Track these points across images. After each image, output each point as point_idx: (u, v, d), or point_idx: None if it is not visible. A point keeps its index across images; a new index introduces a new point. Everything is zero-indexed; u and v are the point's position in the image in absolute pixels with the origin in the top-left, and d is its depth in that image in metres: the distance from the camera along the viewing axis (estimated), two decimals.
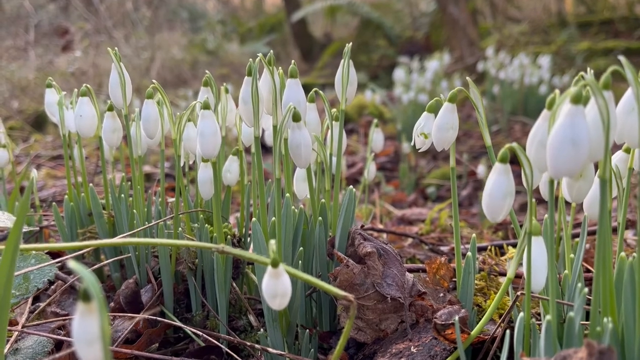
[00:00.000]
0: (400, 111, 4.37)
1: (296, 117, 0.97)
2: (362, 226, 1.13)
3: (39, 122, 8.22)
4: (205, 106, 1.00)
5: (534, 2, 10.84)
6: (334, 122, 1.22)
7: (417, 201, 2.97)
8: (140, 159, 1.29)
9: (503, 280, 1.21)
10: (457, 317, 0.95)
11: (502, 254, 1.40)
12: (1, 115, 8.79)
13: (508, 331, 0.81)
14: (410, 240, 1.76)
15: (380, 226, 1.96)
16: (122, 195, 1.25)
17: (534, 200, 0.77)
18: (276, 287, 0.75)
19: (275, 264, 0.74)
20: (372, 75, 10.28)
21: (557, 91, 0.73)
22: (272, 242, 0.75)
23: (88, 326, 0.55)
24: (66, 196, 1.40)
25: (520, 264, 0.82)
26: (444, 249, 1.64)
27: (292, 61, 1.09)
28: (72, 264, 0.55)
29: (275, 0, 16.33)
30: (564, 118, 0.65)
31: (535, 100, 4.81)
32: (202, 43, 15.99)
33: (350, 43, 1.19)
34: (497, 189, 0.75)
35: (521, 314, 0.76)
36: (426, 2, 11.69)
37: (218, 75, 15.17)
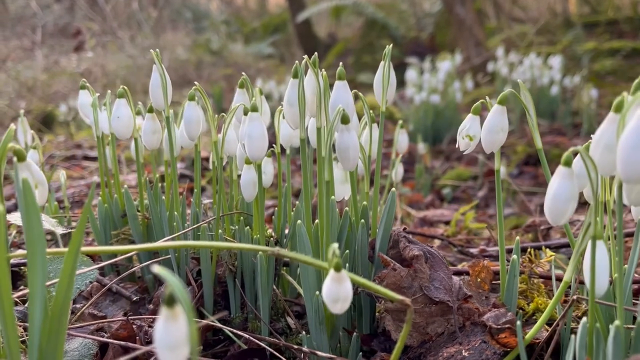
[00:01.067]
0: (412, 112, 4.36)
1: (345, 120, 0.97)
2: (405, 229, 1.12)
3: (47, 122, 8.22)
4: (253, 109, 0.99)
5: (538, 3, 10.84)
6: (373, 124, 1.22)
7: (434, 202, 2.96)
8: (174, 160, 1.28)
9: (543, 282, 1.21)
10: (518, 323, 0.95)
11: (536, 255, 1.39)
12: (9, 116, 8.82)
13: (572, 336, 0.80)
14: (437, 242, 1.75)
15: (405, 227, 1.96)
16: (163, 197, 1.24)
17: (596, 203, 0.76)
18: (339, 291, 0.74)
19: (338, 268, 0.74)
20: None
21: (624, 93, 0.72)
22: (335, 245, 0.74)
23: (173, 331, 0.54)
24: (99, 198, 1.40)
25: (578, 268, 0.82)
26: (473, 251, 1.64)
27: (340, 63, 1.08)
28: (156, 269, 0.55)
29: (279, 0, 16.32)
30: (637, 121, 0.64)
31: (546, 101, 4.80)
32: (206, 43, 15.99)
33: (391, 45, 1.18)
34: (561, 192, 0.75)
35: (584, 318, 0.76)
36: (430, 3, 11.68)
37: (222, 75, 15.21)
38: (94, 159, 3.75)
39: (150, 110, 1.20)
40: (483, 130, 0.97)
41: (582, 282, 0.86)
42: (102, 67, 10.50)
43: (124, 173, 3.17)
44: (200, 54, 15.98)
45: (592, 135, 0.77)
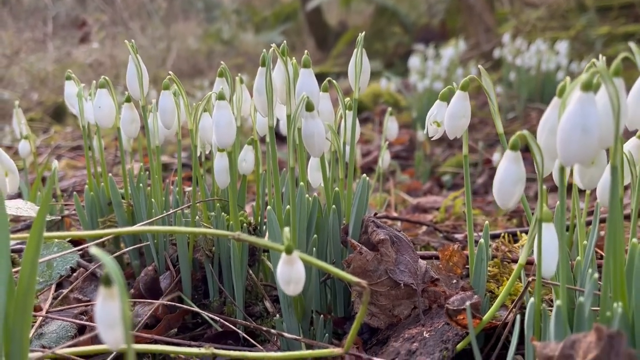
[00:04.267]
0: (415, 99, 4.36)
1: (309, 107, 0.99)
2: (375, 214, 1.14)
3: (59, 113, 8.31)
4: (221, 97, 1.02)
5: None
6: (347, 111, 1.23)
7: (433, 189, 2.97)
8: (158, 149, 1.31)
9: (516, 267, 1.22)
10: (469, 303, 0.96)
11: (516, 241, 1.40)
12: (21, 107, 8.89)
13: (519, 316, 0.82)
14: (424, 228, 1.77)
15: (395, 214, 1.98)
16: (141, 185, 1.27)
17: (544, 187, 0.77)
18: (290, 273, 0.77)
19: (289, 251, 0.76)
20: (388, 63, 10.21)
21: (567, 78, 0.73)
22: (287, 229, 0.77)
23: (110, 310, 0.57)
24: (86, 186, 1.43)
25: (532, 251, 0.83)
26: (459, 236, 1.65)
27: (305, 51, 1.10)
28: (93, 250, 0.58)
29: None
30: (574, 105, 0.65)
31: (552, 87, 4.76)
32: (217, 33, 15.98)
33: (364, 32, 1.19)
34: (507, 175, 0.76)
35: (532, 299, 0.77)
36: None
37: (233, 65, 15.18)
38: None
39: (128, 100, 1.22)
40: (445, 116, 0.98)
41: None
42: (112, 58, 10.56)
43: (128, 162, 3.22)
44: (212, 43, 16.01)
45: None
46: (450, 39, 9.44)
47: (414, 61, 4.32)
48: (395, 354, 0.89)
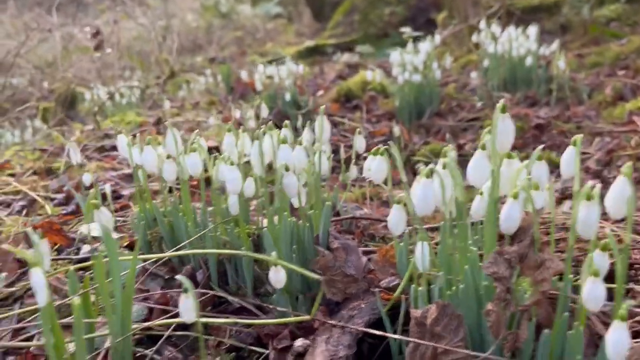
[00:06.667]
0: (397, 89, 4.88)
1: (286, 169, 1.57)
2: (338, 222, 1.74)
3: (71, 102, 8.83)
4: (230, 162, 1.60)
5: None
6: (320, 153, 1.80)
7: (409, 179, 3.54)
8: (185, 182, 1.90)
9: None
10: (392, 284, 1.57)
11: None
12: (34, 95, 9.40)
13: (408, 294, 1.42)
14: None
15: (366, 209, 2.57)
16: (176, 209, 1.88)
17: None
18: (277, 277, 1.37)
19: (275, 264, 1.36)
20: (382, 34, 10.61)
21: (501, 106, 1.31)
22: (274, 253, 1.37)
23: (187, 303, 1.16)
24: (137, 209, 2.03)
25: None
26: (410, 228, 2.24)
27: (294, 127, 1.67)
28: (178, 277, 1.17)
29: None
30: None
31: (522, 71, 5.25)
32: (215, 6, 16.26)
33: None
34: (425, 194, 1.34)
35: (413, 286, 1.37)
36: None
37: (232, 38, 15.50)
38: None
39: (168, 157, 1.81)
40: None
41: None
42: (116, 44, 11.00)
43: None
44: (210, 18, 16.30)
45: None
46: (442, 10, 9.85)
47: (395, 55, 4.84)
48: (342, 317, 1.50)
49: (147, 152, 1.86)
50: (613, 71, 5.37)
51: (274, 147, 1.60)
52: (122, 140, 2.01)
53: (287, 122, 1.79)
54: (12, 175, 3.78)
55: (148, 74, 10.84)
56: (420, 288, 1.35)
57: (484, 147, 1.30)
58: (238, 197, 1.75)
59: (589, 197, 1.06)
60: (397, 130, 3.77)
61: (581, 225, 1.07)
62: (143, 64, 11.49)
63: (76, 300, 1.20)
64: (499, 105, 1.25)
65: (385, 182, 1.58)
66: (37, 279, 1.09)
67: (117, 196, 3.07)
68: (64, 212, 2.74)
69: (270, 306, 1.64)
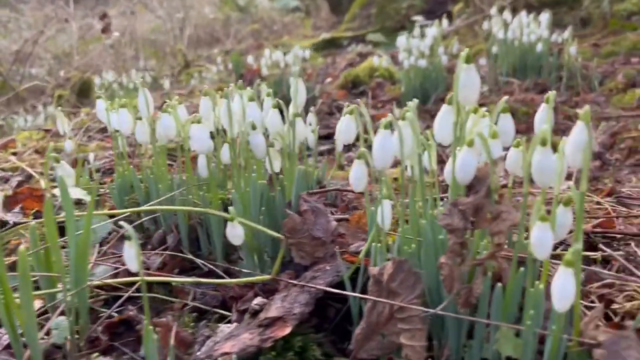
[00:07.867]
0: (403, 74, 4.81)
1: (253, 127, 1.54)
2: (308, 192, 1.70)
3: (84, 90, 8.91)
4: (198, 120, 1.57)
5: None
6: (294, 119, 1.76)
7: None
8: (162, 148, 1.88)
9: None
10: (360, 249, 1.53)
11: None
12: (50, 83, 9.49)
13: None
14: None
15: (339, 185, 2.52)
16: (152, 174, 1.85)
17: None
18: (234, 232, 1.34)
19: (232, 219, 1.33)
20: (399, 27, 10.51)
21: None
22: (231, 209, 1.33)
23: (130, 251, 1.13)
24: (115, 175, 2.02)
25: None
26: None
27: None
28: (122, 223, 1.14)
29: None
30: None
31: (533, 58, 5.13)
32: None
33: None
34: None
35: (374, 244, 1.32)
36: None
37: (250, 31, 15.50)
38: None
39: (139, 118, 1.79)
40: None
41: None
42: (130, 34, 11.06)
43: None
44: (227, 11, 16.32)
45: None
46: (459, 2, 9.72)
47: (401, 40, 4.77)
48: (304, 278, 1.46)
49: (123, 115, 1.84)
50: (628, 60, 5.23)
51: (243, 105, 1.57)
52: (100, 105, 1.99)
53: (269, 90, 1.76)
54: (14, 154, 3.83)
55: (163, 64, 10.90)
56: (379, 245, 1.30)
57: (449, 102, 1.25)
58: (215, 164, 1.72)
59: (543, 143, 1.00)
60: (397, 113, 3.71)
61: (536, 172, 1.01)
62: (158, 54, 11.57)
63: (22, 247, 1.18)
64: (462, 54, 1.20)
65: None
66: None
67: (112, 172, 3.08)
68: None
69: (237, 268, 1.60)
